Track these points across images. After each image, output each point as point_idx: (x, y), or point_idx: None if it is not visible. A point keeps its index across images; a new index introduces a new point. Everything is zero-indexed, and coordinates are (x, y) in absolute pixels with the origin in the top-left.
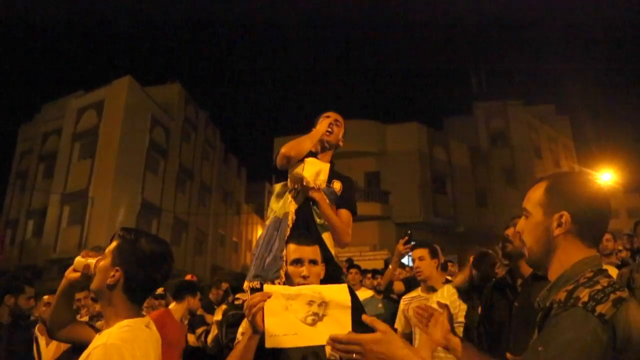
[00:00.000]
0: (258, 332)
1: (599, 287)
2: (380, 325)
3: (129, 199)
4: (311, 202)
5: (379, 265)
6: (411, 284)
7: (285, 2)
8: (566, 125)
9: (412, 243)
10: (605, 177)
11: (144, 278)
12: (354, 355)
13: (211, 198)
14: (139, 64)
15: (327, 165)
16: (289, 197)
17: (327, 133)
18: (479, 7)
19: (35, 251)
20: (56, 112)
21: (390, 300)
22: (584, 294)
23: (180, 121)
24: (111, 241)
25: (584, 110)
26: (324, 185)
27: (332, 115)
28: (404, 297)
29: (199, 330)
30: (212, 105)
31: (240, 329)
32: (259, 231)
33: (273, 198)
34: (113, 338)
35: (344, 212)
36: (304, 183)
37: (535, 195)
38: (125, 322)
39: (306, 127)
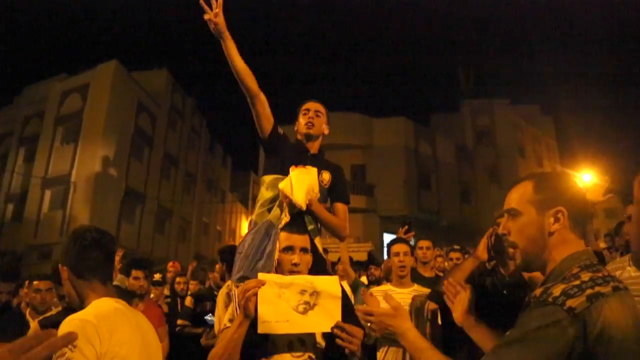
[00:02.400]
0: (249, 317)
1: (576, 282)
2: (393, 302)
3: (113, 185)
4: (305, 211)
5: (363, 257)
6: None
7: None
8: (550, 126)
9: (413, 233)
10: (587, 177)
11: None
12: (369, 324)
13: (196, 186)
14: (125, 48)
15: (315, 173)
16: (284, 206)
17: (308, 127)
18: (469, 6)
19: (15, 236)
20: (38, 95)
21: None
22: (557, 290)
23: (167, 108)
24: None
25: (568, 111)
26: (316, 197)
27: (312, 108)
28: (372, 290)
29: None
30: (199, 93)
31: (228, 315)
32: (243, 220)
33: (262, 189)
34: (77, 315)
35: (340, 207)
36: (298, 207)
37: (523, 193)
38: (93, 302)
39: (292, 118)
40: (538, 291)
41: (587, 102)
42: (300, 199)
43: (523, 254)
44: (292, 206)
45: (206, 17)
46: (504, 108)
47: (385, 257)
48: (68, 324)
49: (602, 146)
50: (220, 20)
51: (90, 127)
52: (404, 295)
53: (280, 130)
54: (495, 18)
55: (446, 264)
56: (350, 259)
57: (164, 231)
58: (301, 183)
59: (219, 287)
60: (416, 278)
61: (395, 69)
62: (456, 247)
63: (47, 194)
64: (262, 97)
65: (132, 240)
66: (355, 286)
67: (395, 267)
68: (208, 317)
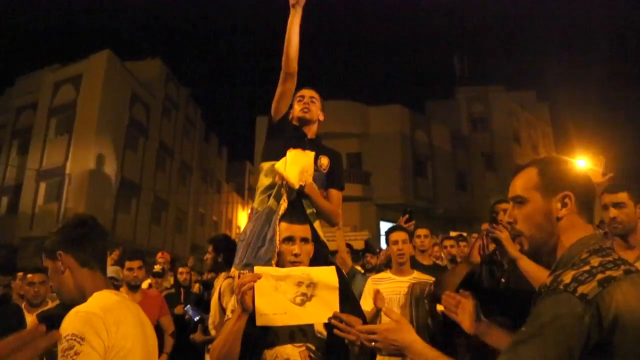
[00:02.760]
0: (247, 310)
1: (586, 267)
2: (394, 315)
3: (108, 176)
4: (302, 194)
5: (360, 245)
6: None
7: None
8: (545, 112)
9: (413, 222)
10: (582, 163)
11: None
12: (372, 343)
13: (191, 177)
14: (118, 38)
15: (311, 156)
16: (282, 190)
17: (304, 112)
18: None
19: (11, 229)
20: (31, 86)
21: None
22: (567, 277)
23: (161, 98)
24: None
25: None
26: (310, 179)
27: (306, 94)
28: (372, 277)
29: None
30: (194, 83)
31: (230, 306)
32: (240, 210)
33: (261, 176)
34: (82, 307)
35: (334, 193)
36: (292, 187)
37: (528, 180)
38: (95, 294)
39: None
40: (548, 280)
41: (582, 89)
42: (293, 177)
43: (531, 242)
44: (290, 191)
45: None
46: (499, 95)
47: (383, 245)
48: (74, 317)
49: (597, 132)
50: None
51: (84, 118)
52: (403, 283)
53: (290, 117)
54: (490, 6)
55: (442, 253)
56: (350, 246)
57: (160, 222)
58: (296, 163)
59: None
60: (415, 265)
61: (391, 57)
62: (452, 233)
63: (42, 186)
64: (295, 80)
65: (128, 232)
66: (352, 274)
67: (394, 254)
68: (190, 311)
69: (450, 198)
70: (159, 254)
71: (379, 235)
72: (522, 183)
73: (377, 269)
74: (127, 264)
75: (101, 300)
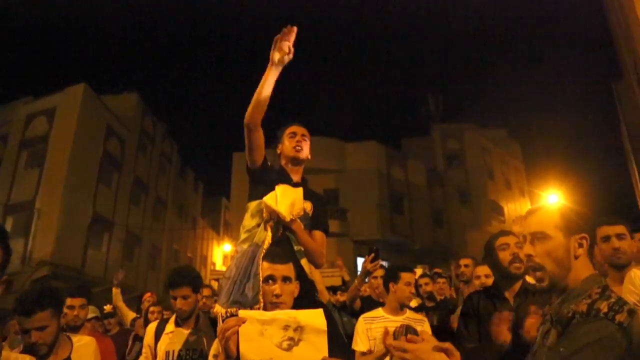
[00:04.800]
0: (231, 357)
1: (613, 300)
2: (425, 335)
3: (79, 211)
4: (288, 231)
5: (337, 282)
6: (367, 302)
7: (248, 16)
8: (517, 149)
9: (379, 261)
10: (553, 198)
11: None
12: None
13: (166, 212)
14: (94, 72)
15: (300, 192)
16: (267, 226)
17: (297, 150)
18: (438, 34)
19: None
20: (2, 118)
21: (353, 316)
22: (603, 306)
23: (137, 133)
24: None
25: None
26: (301, 213)
27: (298, 131)
28: (364, 316)
29: None
30: (171, 118)
31: (213, 351)
32: (215, 246)
33: (247, 216)
34: None
35: (318, 234)
36: (281, 218)
37: (550, 219)
38: None
39: (266, 141)
40: (583, 307)
41: (552, 126)
42: (284, 210)
43: (551, 277)
44: (276, 228)
45: (285, 48)
46: (473, 132)
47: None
48: None
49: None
50: (291, 56)
51: (57, 152)
52: (396, 323)
53: (269, 162)
54: (463, 45)
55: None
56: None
57: (133, 259)
58: (286, 196)
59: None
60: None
61: (366, 94)
62: (427, 272)
63: (9, 220)
64: (261, 131)
65: (99, 269)
66: (330, 309)
67: (406, 297)
68: None
69: (427, 233)
70: (147, 295)
71: (355, 271)
72: (543, 221)
73: (350, 304)
74: (69, 301)
75: None
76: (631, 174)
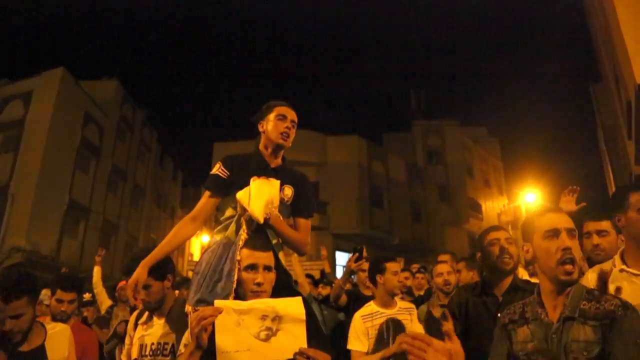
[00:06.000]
0: (201, 347)
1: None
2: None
3: (55, 198)
4: (265, 225)
5: (315, 275)
6: (353, 296)
7: (231, 4)
8: (496, 147)
9: (364, 260)
10: (530, 197)
11: None
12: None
13: (144, 201)
14: (73, 56)
15: (277, 185)
16: (242, 221)
17: (284, 138)
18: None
19: None
20: None
21: (335, 310)
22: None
23: (116, 119)
24: None
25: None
26: (276, 211)
27: (289, 116)
28: (361, 315)
29: None
30: (150, 105)
31: (184, 340)
32: (193, 237)
33: (229, 207)
34: None
35: (302, 222)
36: (256, 221)
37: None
38: None
39: (247, 133)
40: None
41: (530, 126)
42: (257, 211)
43: (578, 268)
44: (250, 222)
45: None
46: (454, 129)
47: (338, 274)
48: None
49: (545, 168)
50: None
51: (32, 136)
52: (391, 315)
53: (226, 177)
54: (446, 43)
55: None
56: (312, 277)
57: (110, 247)
58: (260, 194)
59: None
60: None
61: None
62: (411, 267)
63: None
64: (201, 221)
65: (74, 257)
66: (309, 301)
67: (394, 286)
68: None
69: (406, 229)
70: (122, 283)
71: (335, 265)
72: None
73: (334, 301)
74: (59, 293)
75: None
76: (606, 175)
